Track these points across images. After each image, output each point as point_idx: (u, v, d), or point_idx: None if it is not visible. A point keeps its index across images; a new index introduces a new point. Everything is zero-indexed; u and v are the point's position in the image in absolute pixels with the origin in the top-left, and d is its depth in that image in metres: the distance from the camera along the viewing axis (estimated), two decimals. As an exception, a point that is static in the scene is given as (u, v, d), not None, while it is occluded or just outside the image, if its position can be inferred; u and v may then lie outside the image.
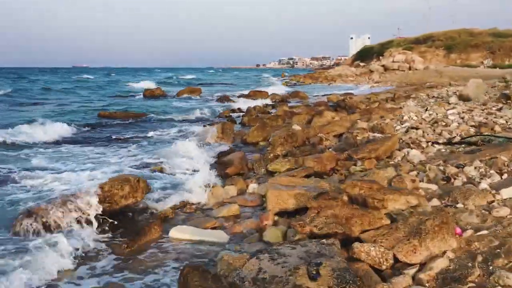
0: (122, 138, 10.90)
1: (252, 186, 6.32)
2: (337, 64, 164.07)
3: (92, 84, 40.14)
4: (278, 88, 31.95)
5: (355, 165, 6.86)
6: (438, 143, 7.57)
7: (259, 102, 19.83)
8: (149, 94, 25.93)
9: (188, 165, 7.38)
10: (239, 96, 25.80)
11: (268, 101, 22.00)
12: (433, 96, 18.81)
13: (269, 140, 9.94)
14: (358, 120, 11.08)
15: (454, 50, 41.59)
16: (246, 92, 26.58)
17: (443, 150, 7.16)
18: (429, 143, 7.62)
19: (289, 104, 20.09)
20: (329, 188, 4.99)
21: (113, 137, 11.05)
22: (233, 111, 17.27)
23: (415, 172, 5.77)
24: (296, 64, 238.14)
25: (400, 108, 13.94)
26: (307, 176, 6.42)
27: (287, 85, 43.88)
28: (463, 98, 14.53)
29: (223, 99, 22.25)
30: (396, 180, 5.22)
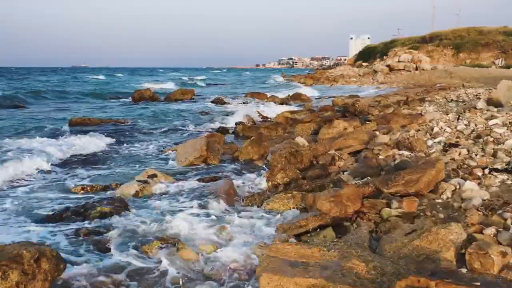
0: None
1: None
2: (337, 64, 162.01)
3: (102, 85, 37.28)
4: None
5: (388, 205, 4.81)
6: (498, 170, 5.51)
7: (256, 107, 17.77)
8: (138, 97, 23.84)
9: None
10: (235, 98, 23.80)
11: (269, 102, 20.01)
12: (452, 100, 16.78)
13: (267, 159, 7.90)
14: (376, 132, 9.02)
15: (463, 49, 39.50)
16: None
17: (511, 182, 5.11)
18: (486, 170, 5.56)
19: (290, 108, 18.09)
20: (366, 271, 2.92)
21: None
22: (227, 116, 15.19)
23: (493, 230, 3.71)
24: (296, 64, 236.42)
25: (421, 114, 11.90)
26: (322, 227, 4.37)
27: (287, 86, 41.89)
28: (493, 103, 12.44)
29: (217, 101, 20.18)
30: (473, 251, 3.16)
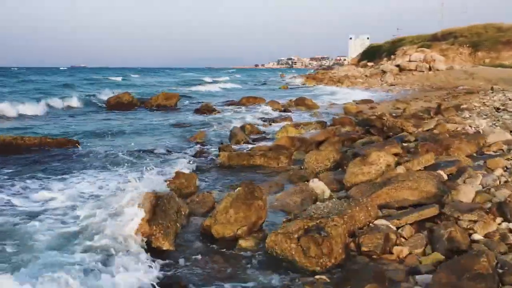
0: None
1: None
2: (336, 64, 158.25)
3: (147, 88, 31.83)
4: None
5: None
6: None
7: (251, 117, 14.27)
8: (114, 103, 20.31)
9: None
10: (227, 104, 20.28)
11: (268, 109, 16.50)
12: (499, 108, 13.29)
13: (263, 234, 4.44)
14: (441, 174, 5.48)
15: (481, 48, 35.94)
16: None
17: None
18: None
19: (293, 117, 14.59)
20: None
21: None
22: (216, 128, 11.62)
23: None
24: (295, 64, 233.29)
25: (479, 132, 8.41)
26: None
27: (287, 88, 38.41)
28: None
29: (204, 110, 16.63)
30: None
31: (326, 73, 57.51)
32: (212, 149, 9.04)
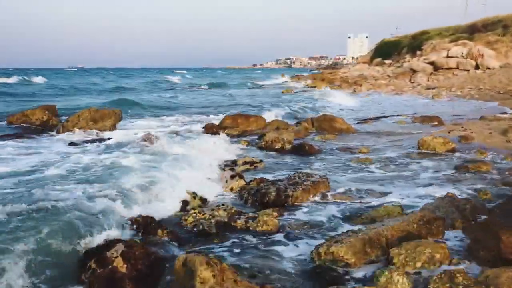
0: None
1: None
2: (336, 63, 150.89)
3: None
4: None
5: None
6: None
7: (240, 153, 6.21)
8: (17, 120, 12.29)
9: None
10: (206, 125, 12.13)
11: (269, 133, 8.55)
12: None
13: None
14: None
15: (545, 39, 28.09)
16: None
17: None
18: None
19: (317, 169, 6.66)
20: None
21: None
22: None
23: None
24: (294, 63, 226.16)
25: None
26: None
27: (292, 92, 30.29)
28: None
29: (145, 138, 8.45)
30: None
31: (335, 73, 49.39)
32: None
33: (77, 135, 10.25)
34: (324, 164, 7.40)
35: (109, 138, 9.81)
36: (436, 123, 12.08)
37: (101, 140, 9.68)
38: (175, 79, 55.80)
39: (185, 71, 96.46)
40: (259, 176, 6.32)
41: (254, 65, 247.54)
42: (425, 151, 8.14)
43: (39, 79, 45.75)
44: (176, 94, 27.43)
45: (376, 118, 13.82)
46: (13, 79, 43.98)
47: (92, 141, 9.52)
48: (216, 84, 42.56)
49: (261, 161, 7.38)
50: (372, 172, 6.85)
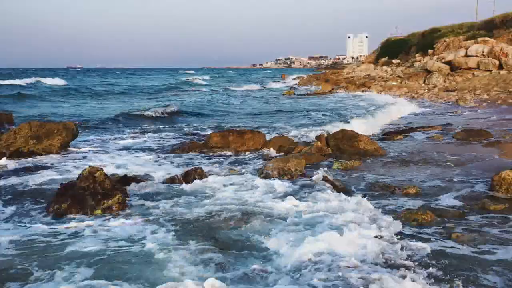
0: None
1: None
2: (336, 63, 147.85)
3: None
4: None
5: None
6: None
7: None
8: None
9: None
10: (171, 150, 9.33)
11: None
12: None
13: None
14: None
15: None
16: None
17: None
18: None
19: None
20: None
21: None
22: None
23: None
24: (293, 63, 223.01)
25: None
26: None
27: (293, 95, 27.54)
28: None
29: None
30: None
31: (339, 73, 46.52)
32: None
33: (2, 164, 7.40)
34: (354, 216, 4.63)
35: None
36: (487, 140, 9.33)
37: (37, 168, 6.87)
38: (198, 79, 53.07)
39: (193, 71, 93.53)
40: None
41: (254, 65, 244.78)
42: (507, 196, 5.37)
43: (56, 81, 40.39)
44: (224, 98, 25.56)
45: (402, 132, 11.06)
46: (27, 80, 38.36)
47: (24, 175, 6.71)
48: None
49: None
50: (444, 246, 4.08)
